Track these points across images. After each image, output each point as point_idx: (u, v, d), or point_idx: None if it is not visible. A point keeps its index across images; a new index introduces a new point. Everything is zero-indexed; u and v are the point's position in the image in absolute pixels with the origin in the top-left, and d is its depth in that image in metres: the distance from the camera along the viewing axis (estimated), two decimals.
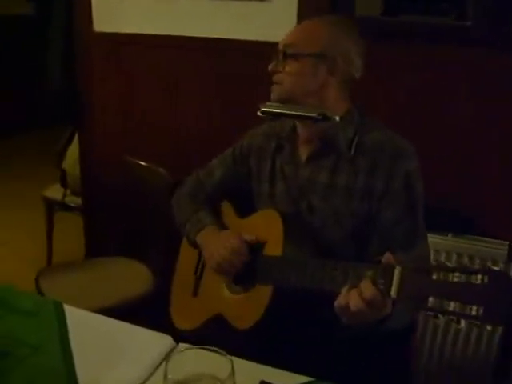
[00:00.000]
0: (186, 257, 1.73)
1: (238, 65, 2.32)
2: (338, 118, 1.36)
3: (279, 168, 1.54)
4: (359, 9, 2.20)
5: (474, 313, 0.93)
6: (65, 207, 3.15)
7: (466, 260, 2.02)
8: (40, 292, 2.17)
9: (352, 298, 1.11)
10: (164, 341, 1.25)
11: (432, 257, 2.05)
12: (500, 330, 1.95)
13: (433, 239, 2.03)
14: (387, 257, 1.12)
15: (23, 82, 5.90)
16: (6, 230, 3.78)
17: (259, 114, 1.43)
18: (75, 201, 3.09)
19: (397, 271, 1.05)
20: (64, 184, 3.14)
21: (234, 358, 1.18)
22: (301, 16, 2.09)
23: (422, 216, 1.40)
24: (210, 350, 0.92)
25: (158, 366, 1.17)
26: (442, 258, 2.05)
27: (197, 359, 0.92)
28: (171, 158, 2.50)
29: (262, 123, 1.60)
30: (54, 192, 3.21)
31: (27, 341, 1.23)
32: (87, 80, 2.66)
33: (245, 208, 1.63)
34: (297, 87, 1.41)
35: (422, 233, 1.41)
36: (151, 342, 1.24)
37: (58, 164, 3.15)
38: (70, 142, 3.11)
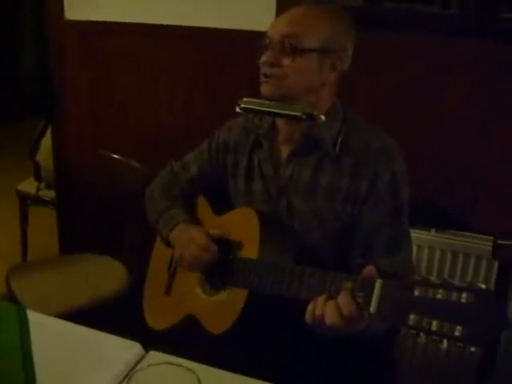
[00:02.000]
0: (159, 252, 1.67)
1: (217, 54, 2.25)
2: (323, 118, 1.30)
3: (257, 165, 1.47)
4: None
5: (457, 333, 0.87)
6: (39, 201, 3.06)
7: (449, 256, 1.98)
8: (10, 290, 2.10)
9: (328, 311, 1.06)
10: (132, 349, 1.19)
11: (415, 252, 2.01)
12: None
13: (416, 234, 1.98)
14: (369, 270, 1.06)
15: None
16: None
17: (238, 110, 1.34)
18: (50, 194, 3.01)
19: (378, 285, 1.00)
20: (38, 177, 3.06)
21: (203, 367, 1.13)
22: (280, 5, 2.01)
23: (407, 220, 1.34)
24: (177, 365, 0.86)
25: (125, 377, 1.10)
26: (425, 254, 2.01)
27: (161, 375, 0.85)
28: (148, 151, 2.43)
29: (241, 115, 1.52)
30: (28, 186, 3.12)
31: None
32: (60, 70, 2.57)
33: (221, 204, 1.56)
34: (300, 84, 1.31)
35: (407, 238, 1.35)
36: (119, 351, 1.18)
37: (32, 157, 3.07)
38: (43, 134, 3.02)
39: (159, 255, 1.67)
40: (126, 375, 1.10)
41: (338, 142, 1.35)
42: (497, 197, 1.96)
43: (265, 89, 1.33)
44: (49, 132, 2.89)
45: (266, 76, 1.33)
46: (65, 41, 2.50)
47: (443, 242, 1.98)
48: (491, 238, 1.91)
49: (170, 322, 1.52)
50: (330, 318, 1.04)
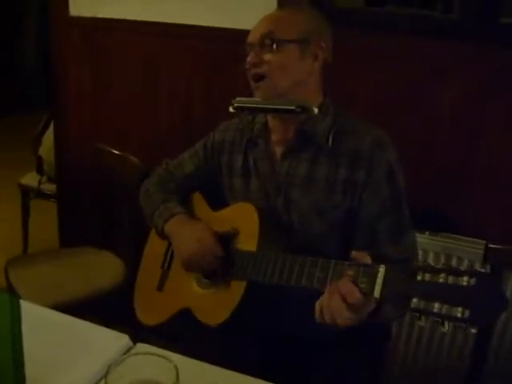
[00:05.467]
0: (152, 249, 1.68)
1: (218, 53, 2.26)
2: (316, 110, 1.34)
3: (252, 164, 1.49)
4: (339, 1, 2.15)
5: (459, 314, 0.90)
6: (41, 194, 3.09)
7: (442, 259, 1.98)
8: (8, 281, 2.13)
9: (334, 306, 1.07)
10: (120, 341, 1.21)
11: None
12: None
13: None
14: (360, 254, 1.09)
15: None
16: None
17: (231, 109, 1.38)
18: (51, 188, 3.03)
19: (381, 270, 1.02)
20: (40, 171, 3.09)
21: (191, 361, 1.15)
22: (280, 5, 2.03)
23: (406, 207, 1.37)
24: (157, 355, 0.88)
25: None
26: (419, 256, 2.01)
27: (141, 366, 0.87)
28: (148, 147, 2.45)
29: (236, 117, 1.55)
30: (31, 179, 3.16)
31: None
32: (62, 65, 2.58)
33: (217, 201, 1.58)
34: (286, 79, 1.35)
35: (408, 224, 1.38)
36: (107, 342, 1.20)
37: (35, 150, 3.09)
38: (46, 128, 3.06)
39: (151, 253, 1.68)
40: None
41: (331, 135, 1.37)
42: (490, 201, 1.96)
43: (258, 92, 1.38)
44: (51, 127, 2.92)
45: (255, 80, 1.37)
46: (68, 37, 2.52)
47: (437, 245, 1.98)
48: (484, 241, 1.92)
49: (163, 317, 1.53)
50: (339, 313, 1.06)
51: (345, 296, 1.04)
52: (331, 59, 1.41)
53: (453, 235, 1.99)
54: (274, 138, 1.46)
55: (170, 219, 1.52)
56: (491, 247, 1.83)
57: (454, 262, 1.97)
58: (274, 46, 1.34)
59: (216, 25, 2.20)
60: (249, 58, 1.37)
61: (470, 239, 1.96)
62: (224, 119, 1.60)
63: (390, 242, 1.32)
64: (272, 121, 1.45)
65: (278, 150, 1.44)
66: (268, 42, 1.34)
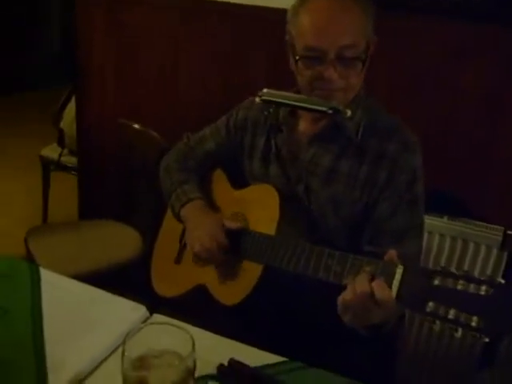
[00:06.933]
0: (171, 223, 1.68)
1: (240, 31, 2.24)
2: (349, 113, 1.25)
3: (275, 149, 1.46)
4: None
5: (473, 323, 0.89)
6: (61, 167, 3.12)
7: (459, 244, 1.97)
8: (28, 251, 2.17)
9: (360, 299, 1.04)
10: (137, 311, 1.23)
11: (425, 239, 2.02)
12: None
13: (428, 220, 1.97)
14: (391, 254, 1.05)
15: (23, 42, 5.86)
16: (3, 187, 3.76)
17: (258, 100, 1.31)
18: (72, 161, 3.06)
19: (399, 270, 1.01)
20: (61, 143, 3.11)
21: (207, 333, 1.17)
22: None
23: (421, 214, 1.34)
24: (174, 326, 0.89)
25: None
26: (436, 241, 2.01)
27: (158, 335, 0.89)
28: (169, 123, 2.45)
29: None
30: (52, 151, 3.18)
31: None
32: (86, 41, 2.59)
33: (239, 178, 1.56)
34: (352, 90, 1.31)
35: (417, 231, 1.34)
36: (124, 312, 1.23)
37: (56, 123, 3.12)
38: (68, 101, 3.07)
39: (170, 225, 1.68)
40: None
41: (360, 130, 1.34)
42: (509, 187, 1.94)
43: (315, 94, 1.30)
44: (73, 100, 2.94)
45: (329, 90, 1.28)
46: (91, 12, 2.53)
47: (454, 230, 1.97)
48: (502, 228, 1.91)
49: (180, 290, 1.54)
50: (366, 309, 1.04)
51: (373, 291, 1.02)
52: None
53: (471, 220, 1.97)
54: (302, 125, 1.43)
55: (186, 204, 1.52)
56: (509, 233, 1.82)
57: (470, 248, 1.96)
58: (359, 65, 1.26)
59: (240, 2, 2.18)
60: (327, 74, 1.25)
61: (489, 225, 1.94)
62: (244, 97, 1.57)
63: (391, 242, 1.28)
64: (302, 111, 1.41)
65: (305, 138, 1.41)
66: (349, 55, 1.24)
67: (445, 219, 2.00)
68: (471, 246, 1.97)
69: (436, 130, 1.99)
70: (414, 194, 1.31)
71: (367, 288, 1.02)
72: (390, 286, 1.01)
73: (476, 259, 1.96)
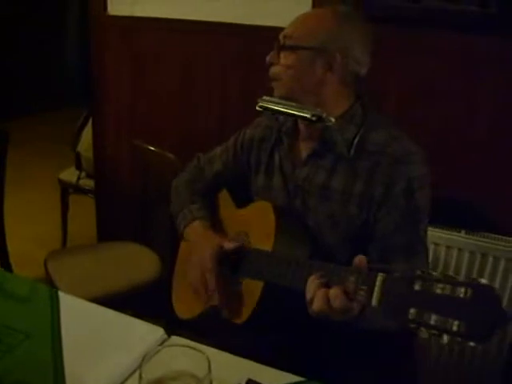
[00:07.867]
0: (186, 246, 1.71)
1: (254, 52, 2.26)
2: (333, 120, 1.29)
3: (278, 162, 1.49)
4: None
5: (455, 328, 0.85)
6: (79, 190, 3.16)
7: (478, 258, 1.95)
8: (48, 274, 2.19)
9: (318, 297, 1.07)
10: (155, 333, 1.24)
11: (443, 254, 2.00)
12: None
13: (445, 235, 1.98)
14: (360, 258, 1.06)
15: (40, 64, 5.98)
16: (22, 210, 3.82)
17: (258, 108, 1.38)
18: (90, 184, 3.10)
19: (379, 278, 0.99)
20: (79, 167, 3.16)
21: (224, 354, 1.18)
22: (316, 4, 2.03)
23: (424, 228, 1.33)
24: (190, 347, 0.90)
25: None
26: (454, 255, 1.99)
27: (175, 357, 0.89)
28: (183, 144, 2.48)
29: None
30: (70, 175, 3.23)
31: (19, 328, 1.24)
32: (101, 63, 2.64)
33: (243, 197, 1.58)
34: (294, 83, 1.35)
35: (421, 246, 1.32)
36: (142, 335, 1.23)
37: (73, 146, 3.17)
38: (85, 124, 3.12)
39: (186, 248, 1.70)
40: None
41: (354, 145, 1.34)
42: None
43: (275, 90, 1.39)
44: (90, 123, 2.99)
45: (271, 79, 1.38)
46: (106, 35, 2.57)
47: (472, 244, 1.96)
48: None
49: (195, 312, 1.56)
50: (318, 304, 1.06)
51: (330, 298, 1.05)
52: (366, 69, 1.36)
53: (489, 234, 1.96)
54: (301, 139, 1.45)
55: (189, 225, 1.55)
56: None
57: (489, 262, 1.95)
58: (290, 50, 1.34)
59: (252, 23, 2.21)
60: (268, 57, 1.39)
61: (508, 238, 1.93)
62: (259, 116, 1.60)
63: (399, 259, 1.28)
64: (300, 122, 1.44)
65: (304, 152, 1.43)
66: (287, 43, 1.34)
67: (462, 233, 1.98)
68: (490, 260, 1.95)
69: (454, 144, 1.98)
70: (413, 206, 1.30)
71: (324, 306, 1.05)
72: (371, 295, 0.99)
73: (496, 273, 1.94)
